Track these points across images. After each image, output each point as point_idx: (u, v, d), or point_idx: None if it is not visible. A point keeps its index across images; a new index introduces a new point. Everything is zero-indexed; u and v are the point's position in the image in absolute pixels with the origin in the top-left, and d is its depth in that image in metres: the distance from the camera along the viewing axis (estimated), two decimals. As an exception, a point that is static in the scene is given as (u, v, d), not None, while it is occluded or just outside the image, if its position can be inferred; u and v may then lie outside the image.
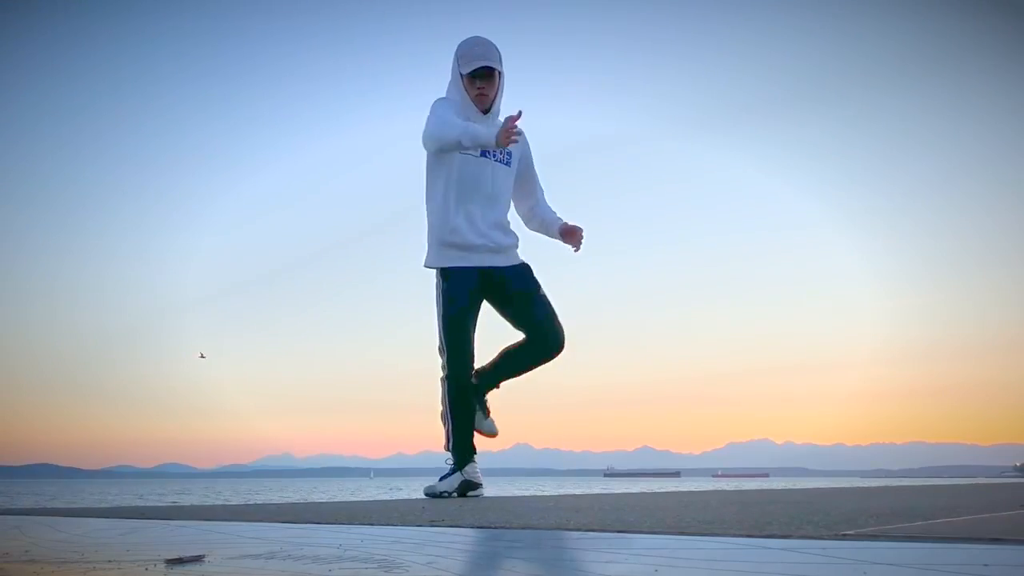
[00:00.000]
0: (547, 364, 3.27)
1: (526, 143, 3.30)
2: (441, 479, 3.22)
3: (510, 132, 2.92)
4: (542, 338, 3.23)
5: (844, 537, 1.26)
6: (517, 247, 3.31)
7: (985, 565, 1.02)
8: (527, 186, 3.37)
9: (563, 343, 3.25)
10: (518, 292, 3.23)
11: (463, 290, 3.16)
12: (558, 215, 3.41)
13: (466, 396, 3.21)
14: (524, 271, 3.28)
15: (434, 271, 3.22)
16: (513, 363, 3.29)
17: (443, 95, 3.19)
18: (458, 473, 3.21)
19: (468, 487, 3.21)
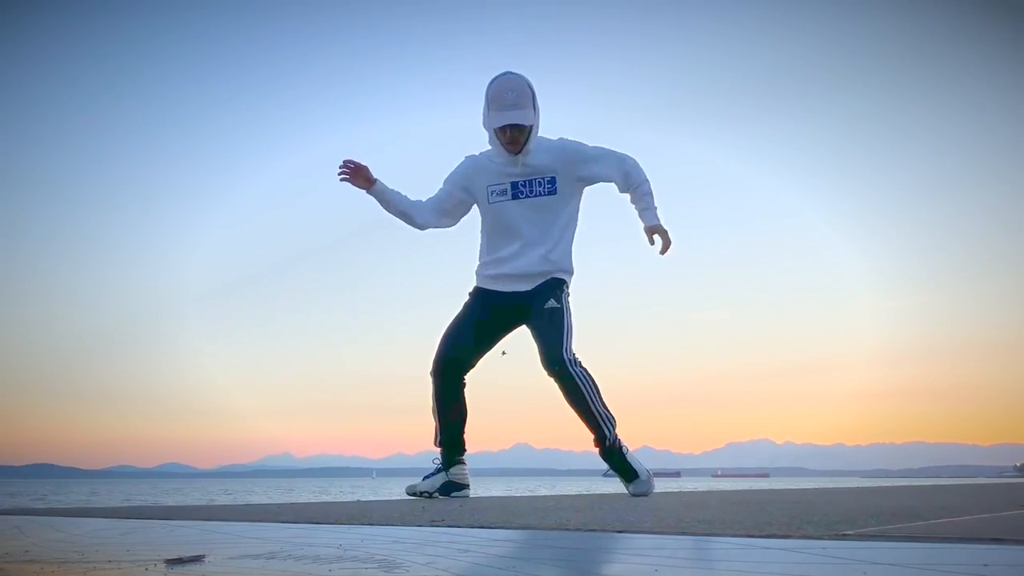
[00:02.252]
0: (559, 382, 3.16)
1: (564, 153, 3.18)
2: (424, 478, 3.23)
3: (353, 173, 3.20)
4: (542, 362, 3.16)
5: (844, 537, 1.26)
6: (548, 270, 3.19)
7: (985, 565, 1.02)
8: (598, 169, 3.19)
9: (552, 358, 3.09)
10: (533, 315, 3.19)
11: (479, 303, 3.23)
12: (650, 208, 3.18)
13: (450, 391, 3.19)
14: (543, 288, 3.19)
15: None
16: (569, 405, 3.21)
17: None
18: (442, 474, 3.22)
19: (451, 488, 3.22)
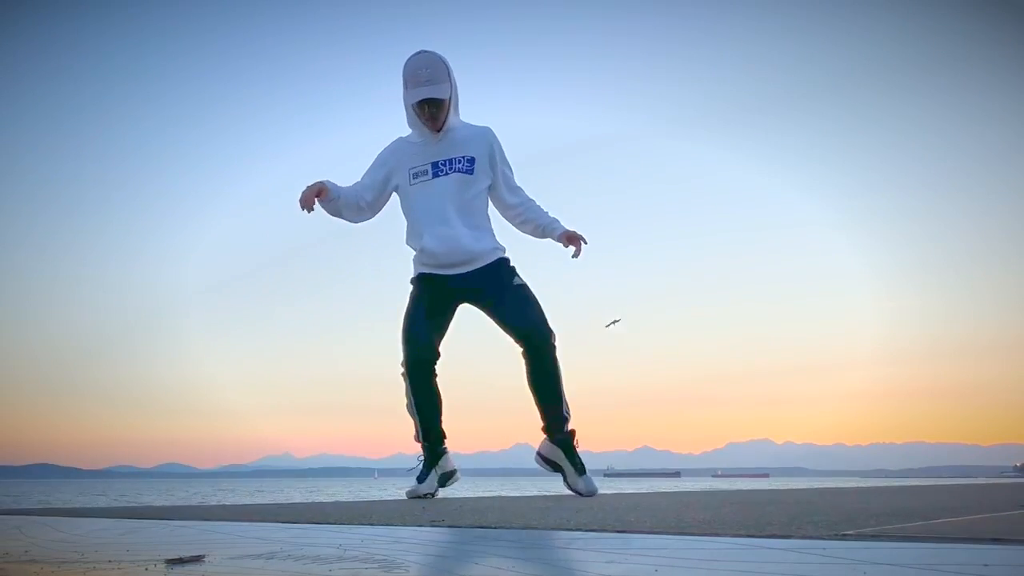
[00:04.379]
0: (539, 357, 3.13)
1: (487, 140, 3.24)
2: (419, 480, 3.24)
3: (305, 200, 3.07)
4: (525, 334, 3.15)
5: (844, 537, 1.26)
6: (493, 249, 3.23)
7: (985, 565, 1.02)
8: (504, 186, 3.30)
9: (541, 332, 3.11)
10: (491, 292, 3.20)
11: (425, 291, 3.23)
12: (555, 218, 3.36)
13: (424, 389, 3.19)
14: (493, 268, 3.21)
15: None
16: (531, 383, 3.19)
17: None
18: (432, 471, 3.23)
19: (445, 479, 3.26)
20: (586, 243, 3.30)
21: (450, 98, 3.12)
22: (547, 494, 3.30)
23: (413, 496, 3.22)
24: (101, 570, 1.53)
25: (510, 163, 3.32)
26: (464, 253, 3.17)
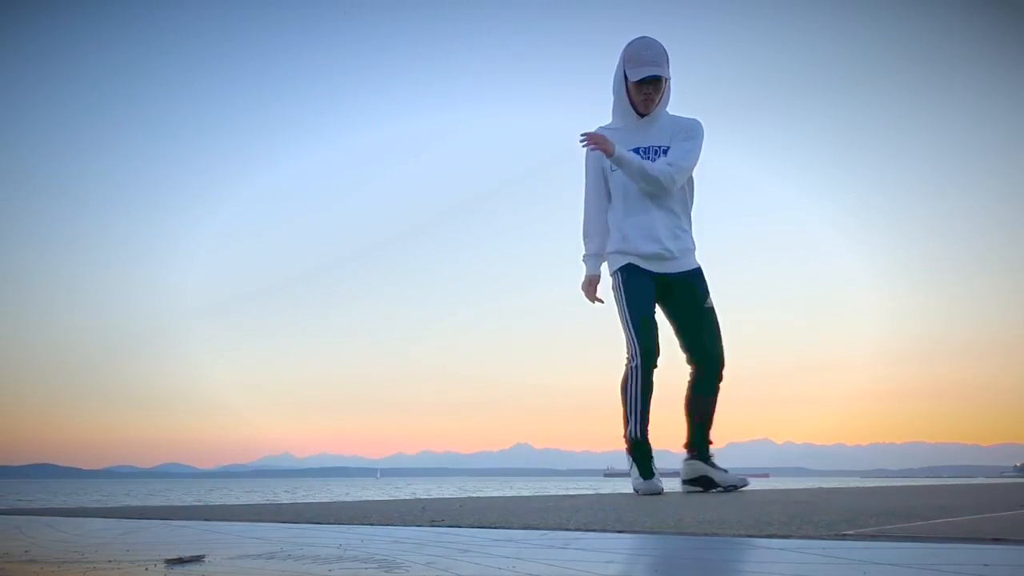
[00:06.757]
0: (710, 384, 3.29)
1: (690, 130, 3.19)
2: (645, 477, 3.24)
3: (590, 296, 3.34)
4: (705, 359, 3.28)
5: (844, 537, 1.26)
6: (690, 251, 3.26)
7: (985, 565, 1.02)
8: None
9: (719, 363, 3.26)
10: (683, 303, 3.25)
11: (639, 284, 3.22)
12: (635, 160, 3.15)
13: (650, 377, 3.22)
14: (691, 279, 3.24)
15: (611, 276, 3.33)
16: (692, 403, 3.32)
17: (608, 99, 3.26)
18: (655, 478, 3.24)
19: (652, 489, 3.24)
20: (591, 143, 3.09)
21: (666, 83, 3.16)
22: (547, 494, 3.30)
23: (648, 493, 3.18)
24: (101, 570, 1.53)
25: (696, 131, 3.20)
26: (662, 248, 3.18)
